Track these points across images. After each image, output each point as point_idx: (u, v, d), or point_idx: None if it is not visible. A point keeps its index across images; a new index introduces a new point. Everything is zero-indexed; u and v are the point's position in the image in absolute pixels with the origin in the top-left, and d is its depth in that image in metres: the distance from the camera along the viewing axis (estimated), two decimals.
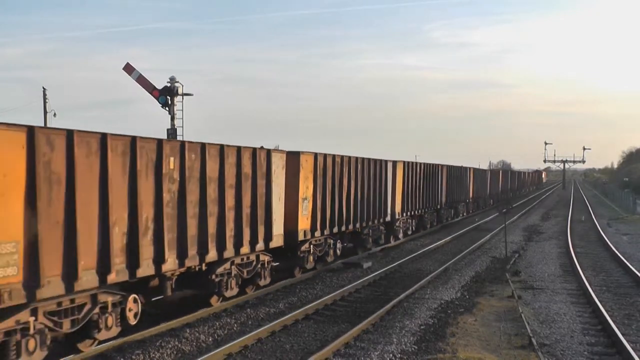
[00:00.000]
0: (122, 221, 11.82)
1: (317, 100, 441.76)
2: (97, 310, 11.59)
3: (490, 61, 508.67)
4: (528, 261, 24.56)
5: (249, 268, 16.73)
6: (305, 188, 19.80)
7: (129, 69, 31.18)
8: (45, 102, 42.88)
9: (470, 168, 50.27)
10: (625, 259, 24.02)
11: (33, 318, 10.21)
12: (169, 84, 31.00)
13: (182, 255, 13.59)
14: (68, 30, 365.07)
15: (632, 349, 11.92)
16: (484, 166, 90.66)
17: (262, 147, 17.07)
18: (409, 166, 31.65)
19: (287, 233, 18.51)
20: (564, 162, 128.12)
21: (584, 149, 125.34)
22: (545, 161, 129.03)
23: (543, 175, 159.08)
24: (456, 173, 44.06)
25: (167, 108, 31.09)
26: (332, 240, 22.25)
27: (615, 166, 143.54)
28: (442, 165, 39.70)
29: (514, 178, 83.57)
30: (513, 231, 36.18)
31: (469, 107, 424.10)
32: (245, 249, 16.13)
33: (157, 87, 31.06)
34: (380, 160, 27.07)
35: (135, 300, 12.62)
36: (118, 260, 11.68)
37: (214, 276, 15.09)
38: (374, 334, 13.36)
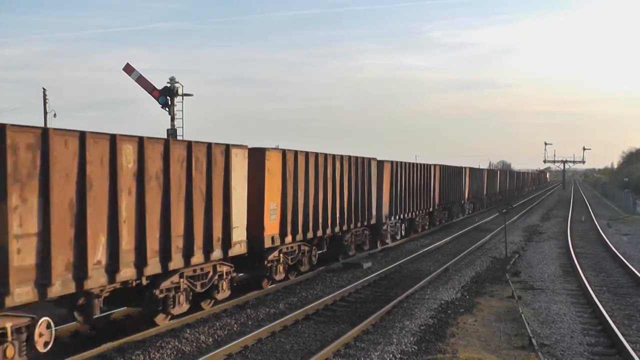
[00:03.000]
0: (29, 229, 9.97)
1: (317, 100, 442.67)
2: None
3: (490, 61, 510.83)
4: (528, 261, 24.54)
5: (204, 280, 14.77)
6: (273, 189, 17.75)
7: (129, 69, 31.18)
8: (45, 103, 42.90)
9: (465, 168, 48.30)
10: (625, 259, 24.03)
11: None
12: (169, 84, 31.00)
13: (112, 268, 11.57)
14: (68, 30, 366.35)
15: (632, 349, 11.93)
16: (484, 166, 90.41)
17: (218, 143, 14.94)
18: (397, 166, 29.68)
19: (252, 240, 16.52)
20: (564, 162, 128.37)
21: (584, 149, 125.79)
22: (545, 161, 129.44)
23: (547, 176, 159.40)
24: (450, 173, 41.96)
25: (167, 108, 31.09)
26: (306, 247, 20.26)
27: (615, 166, 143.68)
28: (435, 165, 37.90)
29: (513, 178, 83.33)
30: (513, 231, 36.16)
31: (469, 107, 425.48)
32: (197, 258, 14.07)
33: (157, 87, 31.07)
34: (363, 159, 24.97)
35: (47, 326, 10.52)
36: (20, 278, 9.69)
37: (157, 291, 13.18)
38: (374, 334, 13.36)
